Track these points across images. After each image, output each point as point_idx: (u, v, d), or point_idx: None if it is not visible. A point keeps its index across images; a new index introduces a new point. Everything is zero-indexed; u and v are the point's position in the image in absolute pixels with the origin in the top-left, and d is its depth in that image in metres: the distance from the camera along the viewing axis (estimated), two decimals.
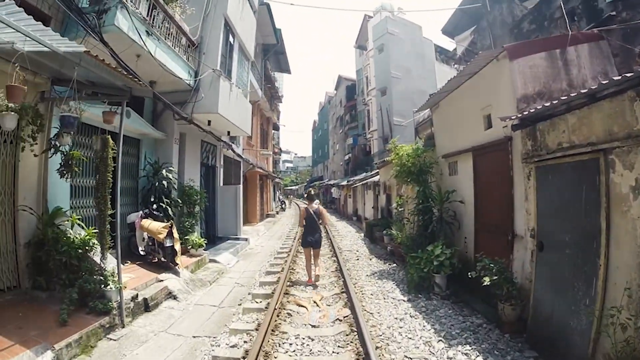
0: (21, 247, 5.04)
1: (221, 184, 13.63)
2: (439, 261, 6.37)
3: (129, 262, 7.34)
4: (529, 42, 6.72)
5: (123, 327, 4.90)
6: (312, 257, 7.79)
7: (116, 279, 5.00)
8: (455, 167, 7.69)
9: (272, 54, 21.34)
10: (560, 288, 4.10)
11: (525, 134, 4.99)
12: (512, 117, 5.04)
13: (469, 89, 6.90)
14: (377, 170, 16.57)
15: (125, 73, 4.82)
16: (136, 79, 4.95)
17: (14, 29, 3.62)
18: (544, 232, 4.56)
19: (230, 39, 10.67)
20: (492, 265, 4.99)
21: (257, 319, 5.38)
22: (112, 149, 5.19)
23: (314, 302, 6.32)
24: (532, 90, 5.45)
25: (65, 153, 4.98)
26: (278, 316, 5.50)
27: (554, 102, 4.18)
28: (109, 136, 5.21)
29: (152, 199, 8.31)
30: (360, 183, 20.69)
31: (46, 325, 4.21)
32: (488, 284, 4.83)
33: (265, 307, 5.77)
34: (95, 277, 5.00)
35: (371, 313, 5.67)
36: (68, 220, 5.44)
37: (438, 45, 27.53)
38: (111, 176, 5.16)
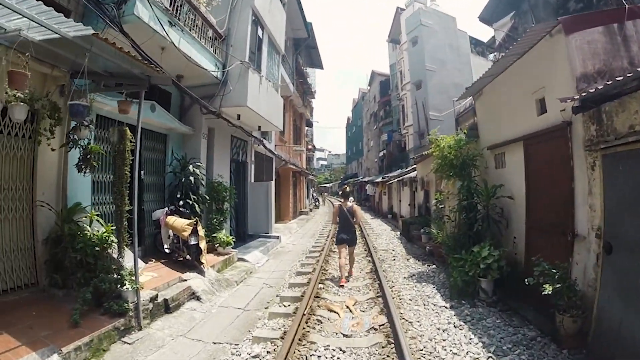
0: (39, 243, 4.89)
1: (252, 180, 13.31)
2: (486, 264, 5.69)
3: (154, 260, 7.15)
4: (585, 15, 5.91)
5: (140, 329, 4.62)
6: (347, 256, 7.54)
7: (134, 278, 4.73)
8: (502, 159, 6.95)
9: (303, 49, 20.94)
10: (632, 297, 3.47)
11: (588, 117, 4.30)
12: (574, 98, 4.33)
13: (518, 71, 6.17)
14: (414, 166, 15.82)
15: (140, 59, 4.52)
16: (152, 65, 4.64)
17: (17, 12, 3.38)
18: (613, 231, 3.87)
19: (259, 31, 10.34)
20: (553, 270, 4.28)
21: (284, 325, 4.99)
22: (131, 142, 4.94)
23: (347, 307, 5.82)
24: (592, 69, 4.75)
25: (84, 147, 4.80)
26: (306, 323, 5.05)
27: (628, 74, 3.50)
28: (127, 128, 4.95)
29: (179, 195, 8.11)
30: (396, 179, 19.97)
31: (57, 326, 4.00)
32: (549, 292, 4.14)
33: (294, 312, 5.36)
34: (111, 276, 4.75)
35: (410, 322, 5.09)
36: (87, 217, 5.25)
37: (473, 37, 26.27)
38: (129, 170, 4.91)
